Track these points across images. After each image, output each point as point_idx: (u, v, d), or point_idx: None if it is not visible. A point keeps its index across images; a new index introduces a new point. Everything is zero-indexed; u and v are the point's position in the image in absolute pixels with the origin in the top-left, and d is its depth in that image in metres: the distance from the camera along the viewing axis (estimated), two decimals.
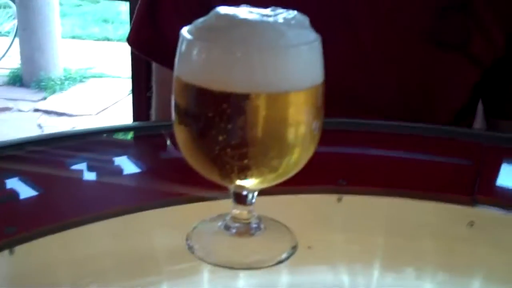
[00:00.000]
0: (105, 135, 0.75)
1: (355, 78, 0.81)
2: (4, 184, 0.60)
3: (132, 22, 0.88)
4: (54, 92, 4.23)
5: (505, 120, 0.87)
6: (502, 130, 0.87)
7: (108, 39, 5.49)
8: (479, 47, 0.81)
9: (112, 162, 0.65)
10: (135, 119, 1.63)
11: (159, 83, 0.91)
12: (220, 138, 0.42)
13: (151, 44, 0.87)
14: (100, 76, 4.55)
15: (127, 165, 0.64)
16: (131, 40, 0.89)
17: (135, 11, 0.88)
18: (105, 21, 5.99)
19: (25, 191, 0.58)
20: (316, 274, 0.52)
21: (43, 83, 4.26)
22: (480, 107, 0.91)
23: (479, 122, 0.93)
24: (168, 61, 0.82)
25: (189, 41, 0.42)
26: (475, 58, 0.81)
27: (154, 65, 0.91)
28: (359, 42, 0.80)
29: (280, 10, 0.43)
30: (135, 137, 0.75)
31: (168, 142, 0.68)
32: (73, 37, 5.45)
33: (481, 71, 0.83)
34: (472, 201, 0.57)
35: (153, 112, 0.94)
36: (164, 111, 0.90)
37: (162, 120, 0.87)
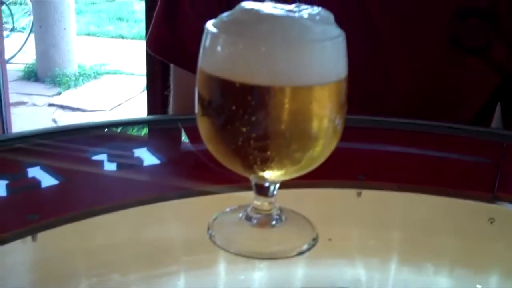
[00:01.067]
0: (124, 127, 0.75)
1: (374, 77, 0.81)
2: (27, 173, 0.60)
3: (150, 26, 0.89)
4: (68, 87, 4.26)
5: None
6: None
7: (123, 37, 5.52)
8: (499, 53, 0.80)
9: (132, 153, 0.66)
10: (149, 115, 1.64)
11: (178, 84, 0.91)
12: (243, 130, 0.43)
13: (170, 48, 0.87)
14: (114, 73, 4.57)
15: (148, 157, 0.65)
16: (149, 44, 0.89)
17: (154, 15, 0.89)
18: (120, 19, 6.03)
19: (48, 180, 0.59)
20: (335, 267, 0.52)
21: (57, 79, 4.30)
22: (498, 107, 0.91)
23: (495, 122, 0.93)
24: (187, 64, 0.83)
25: (214, 34, 0.43)
26: (496, 64, 0.81)
27: (172, 66, 0.92)
28: (379, 42, 0.80)
29: (304, 6, 0.44)
30: (156, 130, 0.76)
31: (188, 135, 0.68)
32: (88, 34, 5.49)
33: (501, 77, 0.83)
34: (492, 198, 0.57)
35: (170, 111, 0.95)
36: (183, 110, 0.90)
37: (180, 114, 0.88)
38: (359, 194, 0.57)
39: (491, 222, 0.55)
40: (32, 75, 4.44)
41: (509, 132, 0.71)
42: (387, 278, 0.53)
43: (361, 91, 0.72)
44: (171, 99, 0.93)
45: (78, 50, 4.56)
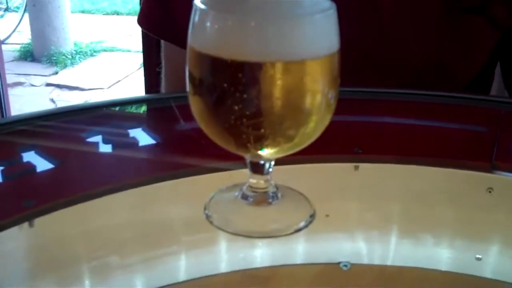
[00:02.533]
0: (118, 107, 0.75)
1: (373, 43, 0.80)
2: (21, 158, 0.60)
3: (141, 3, 0.88)
4: (65, 66, 4.24)
5: None
6: None
7: (118, 13, 5.46)
8: (499, 10, 0.79)
9: (127, 134, 0.65)
10: (146, 92, 1.63)
11: (170, 60, 0.91)
12: (236, 107, 0.42)
13: (161, 24, 0.87)
14: (111, 50, 4.54)
15: (142, 137, 0.64)
16: (141, 21, 0.89)
17: None
18: None
19: (42, 165, 0.59)
20: (334, 242, 0.52)
21: (54, 58, 4.27)
22: (497, 71, 0.90)
23: (495, 89, 0.92)
24: (178, 40, 0.82)
25: (202, 10, 0.42)
26: (495, 21, 0.80)
27: (163, 42, 0.91)
28: (377, 7, 0.79)
29: None
30: (149, 109, 0.75)
31: (182, 114, 0.68)
32: (83, 12, 5.43)
33: (501, 34, 0.82)
34: (490, 168, 0.57)
35: (163, 88, 0.94)
36: (175, 87, 0.89)
37: (174, 91, 0.87)
38: (356, 168, 0.57)
39: (490, 192, 0.55)
40: (28, 55, 4.41)
41: (506, 99, 0.70)
42: (387, 250, 0.53)
43: (356, 55, 0.71)
44: (163, 77, 0.93)
45: (73, 28, 4.52)
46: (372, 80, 0.74)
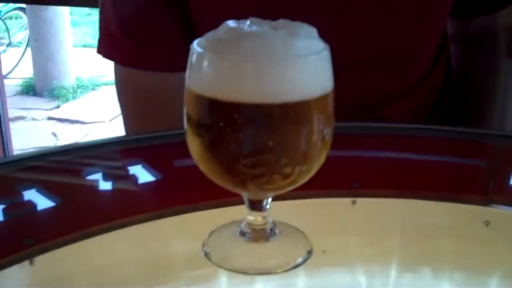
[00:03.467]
0: (118, 144, 0.75)
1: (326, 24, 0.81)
2: (22, 195, 0.61)
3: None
4: (67, 100, 4.26)
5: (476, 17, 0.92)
6: (471, 30, 0.92)
7: None
8: None
9: (127, 171, 0.66)
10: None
11: (133, 89, 0.89)
12: (232, 147, 0.43)
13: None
14: (112, 84, 4.56)
15: (142, 174, 0.65)
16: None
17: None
18: None
19: (43, 202, 0.59)
20: (332, 278, 0.52)
21: (56, 92, 4.30)
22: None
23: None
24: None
25: (199, 53, 0.43)
26: None
27: (120, 69, 0.89)
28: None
29: (288, 22, 0.44)
30: (149, 146, 0.76)
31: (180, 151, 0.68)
32: (85, 46, 5.49)
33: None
34: (487, 201, 0.57)
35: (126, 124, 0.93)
36: (141, 121, 0.89)
37: (175, 128, 0.88)
38: (353, 203, 0.57)
39: (487, 225, 0.55)
40: (30, 90, 4.44)
41: (502, 133, 0.71)
42: (386, 285, 0.54)
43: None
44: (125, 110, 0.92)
45: (75, 62, 4.57)
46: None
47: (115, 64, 0.89)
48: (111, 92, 4.42)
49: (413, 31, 0.84)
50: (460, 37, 0.97)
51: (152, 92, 0.85)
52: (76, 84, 4.45)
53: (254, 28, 0.43)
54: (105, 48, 0.87)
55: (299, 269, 0.47)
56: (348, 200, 0.58)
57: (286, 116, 0.42)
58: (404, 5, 0.82)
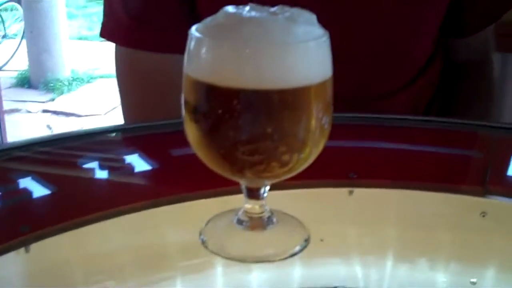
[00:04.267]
0: (115, 133, 0.75)
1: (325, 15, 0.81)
2: (17, 184, 0.60)
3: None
4: (62, 93, 4.25)
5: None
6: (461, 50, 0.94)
7: None
8: None
9: (123, 160, 0.66)
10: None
11: (135, 71, 0.89)
12: (231, 134, 0.43)
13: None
14: (108, 77, 4.56)
15: (138, 163, 0.65)
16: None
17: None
18: None
19: (39, 191, 0.59)
20: (329, 267, 0.52)
21: (51, 84, 4.29)
22: None
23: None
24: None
25: (198, 39, 0.43)
26: None
27: (122, 51, 0.88)
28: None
29: (287, 8, 0.44)
30: (145, 135, 0.76)
31: (177, 140, 0.68)
32: (80, 38, 5.47)
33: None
34: (484, 192, 0.57)
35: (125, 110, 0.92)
36: (141, 105, 0.88)
37: (172, 118, 0.88)
38: (350, 193, 0.57)
39: (483, 216, 0.55)
40: (25, 82, 4.42)
41: (498, 124, 0.71)
42: (383, 274, 0.54)
43: None
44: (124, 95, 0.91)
45: (70, 54, 4.55)
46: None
47: (116, 46, 0.88)
48: (107, 85, 4.41)
49: (408, 27, 0.85)
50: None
51: (154, 73, 0.84)
52: (72, 77, 4.43)
53: (253, 13, 0.42)
54: (108, 31, 0.87)
55: (296, 257, 0.47)
56: (345, 190, 0.58)
57: (285, 103, 0.42)
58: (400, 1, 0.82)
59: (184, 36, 0.44)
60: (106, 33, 0.88)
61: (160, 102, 0.83)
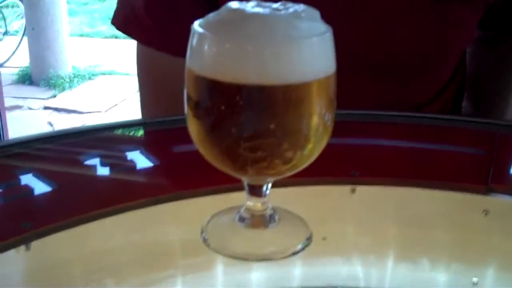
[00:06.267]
0: (116, 130, 0.75)
1: (357, 36, 0.80)
2: (18, 180, 0.60)
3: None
4: (63, 90, 4.25)
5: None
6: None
7: (116, 37, 5.50)
8: None
9: (125, 157, 0.65)
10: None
11: (155, 71, 0.89)
12: (233, 130, 0.42)
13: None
14: (109, 74, 4.56)
15: (140, 160, 0.64)
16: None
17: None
18: None
19: (40, 187, 0.59)
20: (330, 265, 0.52)
21: (52, 81, 4.29)
22: None
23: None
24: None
25: (201, 34, 0.42)
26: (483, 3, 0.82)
27: (142, 48, 0.88)
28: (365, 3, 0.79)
29: (290, 4, 0.43)
30: (147, 132, 0.76)
31: (179, 137, 0.68)
32: (81, 35, 5.47)
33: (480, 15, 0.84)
34: (486, 190, 0.57)
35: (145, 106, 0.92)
36: (160, 103, 0.89)
37: (172, 114, 0.88)
38: (353, 191, 0.57)
39: (486, 214, 0.55)
40: (26, 78, 4.43)
41: (501, 122, 0.71)
42: (384, 273, 0.53)
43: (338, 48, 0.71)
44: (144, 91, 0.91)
45: (72, 51, 4.55)
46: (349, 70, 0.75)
47: (137, 43, 0.88)
48: (108, 82, 4.41)
49: (445, 30, 0.83)
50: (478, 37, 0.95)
51: (173, 75, 0.84)
52: (73, 74, 4.43)
53: (256, 9, 0.42)
54: (123, 23, 0.87)
55: (298, 255, 0.46)
56: (347, 188, 0.57)
57: (288, 98, 0.42)
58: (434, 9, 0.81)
59: None
60: (121, 25, 0.87)
61: (177, 101, 0.82)
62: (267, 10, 0.42)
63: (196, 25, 0.43)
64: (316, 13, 0.43)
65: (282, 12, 0.42)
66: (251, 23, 0.41)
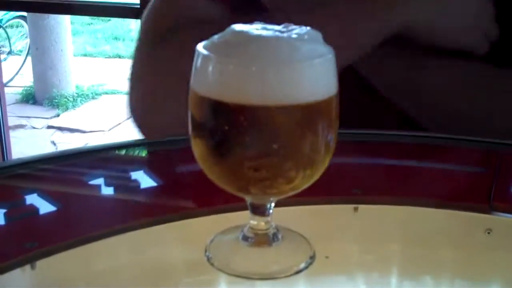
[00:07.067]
0: (120, 150, 0.75)
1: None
2: (23, 200, 0.60)
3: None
4: (67, 109, 4.27)
5: None
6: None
7: (120, 56, 5.54)
8: None
9: (129, 177, 0.66)
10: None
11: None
12: (237, 150, 0.43)
13: None
14: (112, 93, 4.58)
15: (144, 180, 0.65)
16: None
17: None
18: (116, 38, 6.05)
19: (45, 207, 0.59)
20: (334, 284, 0.52)
21: (55, 100, 4.31)
22: None
23: None
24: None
25: (205, 56, 0.43)
26: None
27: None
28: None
29: (293, 26, 0.45)
30: (150, 152, 0.76)
31: (182, 157, 0.68)
32: (85, 55, 5.51)
33: None
34: (489, 209, 0.57)
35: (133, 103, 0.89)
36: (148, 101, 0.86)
37: (175, 135, 0.88)
38: (355, 209, 0.57)
39: (488, 233, 0.55)
40: (30, 98, 4.45)
41: (503, 141, 0.71)
42: None
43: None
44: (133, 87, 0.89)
45: (75, 71, 4.58)
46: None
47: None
48: (111, 101, 4.43)
49: None
50: None
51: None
52: (76, 93, 4.46)
53: (260, 32, 0.43)
54: None
55: (301, 274, 0.47)
56: (350, 206, 0.58)
57: (291, 119, 0.42)
58: None
59: None
60: None
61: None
62: (270, 33, 0.43)
63: (201, 47, 0.44)
64: (318, 35, 0.44)
65: (285, 34, 0.43)
66: (255, 45, 0.42)
